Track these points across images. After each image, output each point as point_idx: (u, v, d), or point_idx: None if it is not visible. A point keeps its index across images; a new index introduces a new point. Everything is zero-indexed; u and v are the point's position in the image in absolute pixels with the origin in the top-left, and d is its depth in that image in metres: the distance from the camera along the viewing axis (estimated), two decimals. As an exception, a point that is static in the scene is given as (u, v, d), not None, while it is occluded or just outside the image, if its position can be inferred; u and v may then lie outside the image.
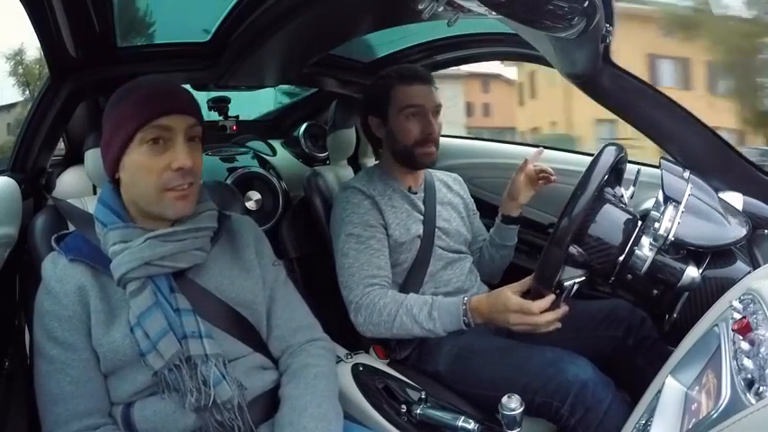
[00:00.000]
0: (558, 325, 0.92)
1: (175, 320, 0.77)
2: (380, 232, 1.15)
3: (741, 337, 0.51)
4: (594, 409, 0.90)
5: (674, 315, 0.91)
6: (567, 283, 0.88)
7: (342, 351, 1.16)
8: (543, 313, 0.90)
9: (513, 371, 0.99)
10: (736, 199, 1.03)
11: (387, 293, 1.07)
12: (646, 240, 0.88)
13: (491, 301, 0.97)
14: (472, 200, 1.40)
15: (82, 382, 0.76)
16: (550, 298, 0.90)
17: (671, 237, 0.85)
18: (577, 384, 0.92)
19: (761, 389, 0.43)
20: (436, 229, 1.22)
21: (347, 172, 1.61)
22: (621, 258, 0.89)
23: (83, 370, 0.76)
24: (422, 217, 1.22)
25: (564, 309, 0.92)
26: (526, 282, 0.94)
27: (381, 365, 1.14)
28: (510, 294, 0.94)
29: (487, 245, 1.32)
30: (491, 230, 1.31)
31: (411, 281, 1.17)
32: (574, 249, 0.87)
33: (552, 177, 1.20)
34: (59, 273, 0.78)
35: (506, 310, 0.93)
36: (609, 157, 0.88)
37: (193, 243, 0.81)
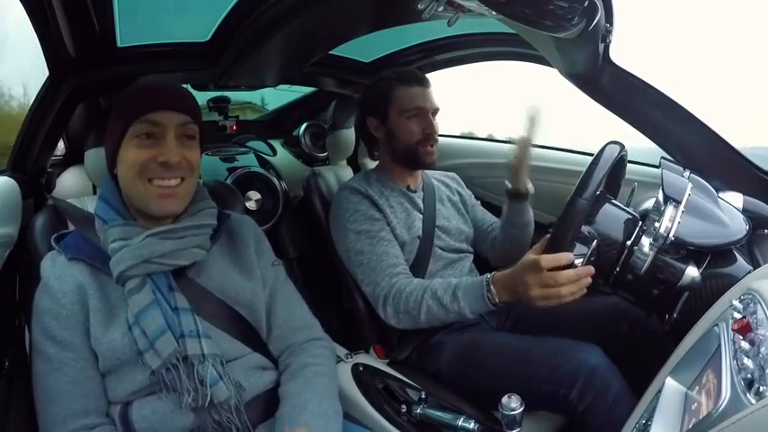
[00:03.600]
0: (584, 291, 0.83)
1: (173, 319, 0.76)
2: (386, 225, 1.15)
3: (741, 337, 0.52)
4: (603, 394, 0.89)
5: (675, 315, 0.91)
6: (578, 252, 0.83)
7: (342, 351, 1.17)
8: (565, 286, 0.82)
9: (517, 362, 0.98)
10: (736, 199, 1.03)
11: (412, 281, 1.06)
12: (646, 240, 0.88)
13: (513, 276, 0.88)
14: (471, 193, 1.40)
15: (79, 382, 0.75)
16: (570, 265, 0.82)
17: (671, 236, 0.85)
18: (586, 369, 0.90)
19: (761, 389, 0.43)
20: (436, 228, 1.22)
21: (347, 172, 1.61)
22: (622, 258, 0.89)
23: (80, 369, 0.76)
24: (421, 216, 1.22)
25: (588, 269, 0.82)
26: (542, 245, 0.86)
27: (381, 365, 1.14)
28: (529, 268, 0.84)
29: (503, 224, 1.27)
30: (503, 207, 1.26)
31: None
32: (584, 228, 0.86)
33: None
34: (58, 271, 0.78)
35: (527, 285, 0.84)
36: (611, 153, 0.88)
37: (193, 240, 0.81)
